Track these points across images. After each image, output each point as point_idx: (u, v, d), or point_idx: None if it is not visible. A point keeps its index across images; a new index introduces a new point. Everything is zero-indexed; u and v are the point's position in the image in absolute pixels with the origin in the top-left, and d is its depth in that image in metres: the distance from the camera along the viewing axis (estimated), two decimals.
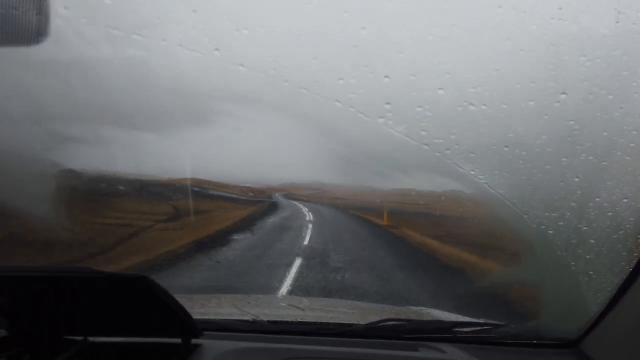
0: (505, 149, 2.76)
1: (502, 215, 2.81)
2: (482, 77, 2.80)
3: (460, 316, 2.71)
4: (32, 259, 8.01)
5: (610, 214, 2.36)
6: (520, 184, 2.66)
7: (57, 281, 1.54)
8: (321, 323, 2.19)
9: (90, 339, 1.76)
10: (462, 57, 2.91)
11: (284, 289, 7.36)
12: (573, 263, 2.40)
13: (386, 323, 2.12)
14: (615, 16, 2.39)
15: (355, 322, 2.17)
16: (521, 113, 2.76)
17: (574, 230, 2.46)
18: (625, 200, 2.33)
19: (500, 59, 2.83)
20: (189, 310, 1.65)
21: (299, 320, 2.26)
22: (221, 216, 18.58)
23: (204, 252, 10.73)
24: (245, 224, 17.42)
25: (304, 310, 2.67)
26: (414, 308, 3.69)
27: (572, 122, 2.61)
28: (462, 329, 2.10)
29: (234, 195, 29.46)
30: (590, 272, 2.28)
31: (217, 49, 2.97)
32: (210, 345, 1.82)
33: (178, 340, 1.75)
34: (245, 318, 2.13)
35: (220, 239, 13.13)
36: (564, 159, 2.63)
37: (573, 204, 2.51)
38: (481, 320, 2.32)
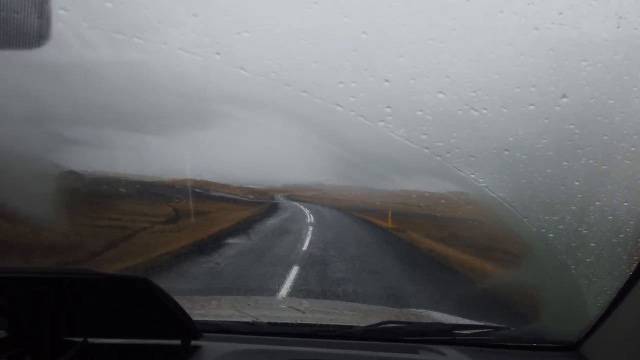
0: (506, 152, 2.76)
1: (502, 219, 2.81)
2: (482, 81, 2.81)
3: (460, 318, 2.71)
4: (32, 260, 8.01)
5: (610, 217, 2.36)
6: (520, 188, 2.67)
7: (57, 282, 1.54)
8: (321, 325, 2.19)
9: (90, 340, 1.76)
10: (463, 61, 2.92)
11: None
12: (573, 266, 2.40)
13: (386, 325, 2.12)
14: (616, 21, 2.39)
15: (355, 324, 2.17)
16: (521, 117, 2.77)
17: (574, 234, 2.46)
18: (626, 204, 2.33)
19: (501, 63, 2.84)
20: (188, 312, 1.65)
21: (298, 322, 2.27)
22: (222, 218, 18.57)
23: (200, 255, 10.53)
24: (244, 226, 17.02)
25: (303, 312, 2.67)
26: (414, 310, 3.69)
27: (572, 126, 2.62)
28: (462, 332, 2.10)
29: (236, 197, 29.47)
30: (591, 276, 2.28)
31: (218, 53, 2.99)
32: (210, 347, 1.82)
33: (178, 342, 1.75)
34: (245, 320, 2.13)
35: (214, 243, 12.34)
36: (565, 163, 2.63)
37: (573, 208, 2.52)
38: (481, 323, 2.32)
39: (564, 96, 2.61)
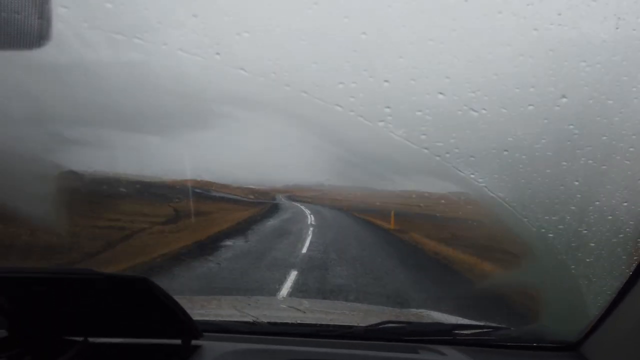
0: (505, 152, 2.77)
1: (502, 219, 2.81)
2: (482, 82, 2.81)
3: (460, 318, 2.71)
4: (32, 261, 8.01)
5: (610, 217, 2.36)
6: (520, 188, 2.67)
7: (57, 282, 1.55)
8: (321, 325, 2.20)
9: (91, 339, 1.77)
10: (462, 61, 2.92)
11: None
12: (573, 266, 2.40)
13: (386, 325, 2.13)
14: (615, 22, 2.40)
15: (356, 324, 2.17)
16: (521, 117, 2.77)
17: (574, 234, 2.47)
18: (625, 204, 2.33)
19: (500, 64, 2.84)
20: (189, 312, 1.65)
21: (299, 322, 2.27)
22: (222, 218, 18.55)
23: (200, 255, 10.46)
24: (243, 227, 16.84)
25: (304, 312, 2.67)
26: (414, 310, 3.69)
27: (571, 127, 2.63)
28: (462, 332, 2.10)
29: (237, 197, 29.45)
30: (590, 276, 2.28)
31: (217, 53, 3.00)
32: (210, 346, 1.82)
33: (178, 342, 1.75)
34: (246, 319, 2.14)
35: (212, 244, 12.08)
36: (564, 163, 2.63)
37: (573, 208, 2.52)
38: (481, 323, 2.32)
39: (563, 97, 2.62)
